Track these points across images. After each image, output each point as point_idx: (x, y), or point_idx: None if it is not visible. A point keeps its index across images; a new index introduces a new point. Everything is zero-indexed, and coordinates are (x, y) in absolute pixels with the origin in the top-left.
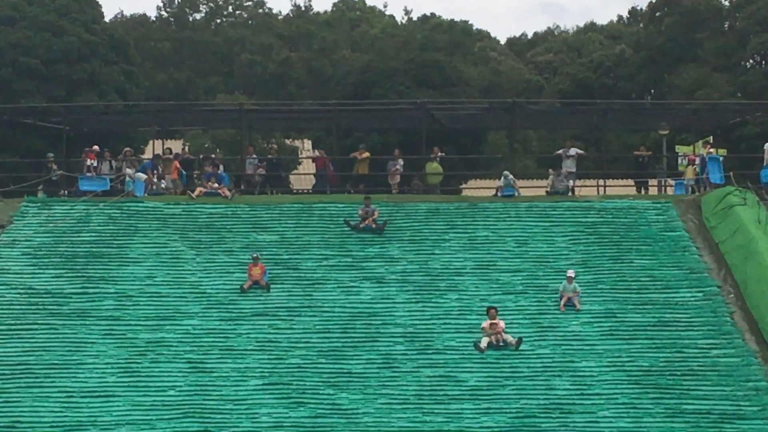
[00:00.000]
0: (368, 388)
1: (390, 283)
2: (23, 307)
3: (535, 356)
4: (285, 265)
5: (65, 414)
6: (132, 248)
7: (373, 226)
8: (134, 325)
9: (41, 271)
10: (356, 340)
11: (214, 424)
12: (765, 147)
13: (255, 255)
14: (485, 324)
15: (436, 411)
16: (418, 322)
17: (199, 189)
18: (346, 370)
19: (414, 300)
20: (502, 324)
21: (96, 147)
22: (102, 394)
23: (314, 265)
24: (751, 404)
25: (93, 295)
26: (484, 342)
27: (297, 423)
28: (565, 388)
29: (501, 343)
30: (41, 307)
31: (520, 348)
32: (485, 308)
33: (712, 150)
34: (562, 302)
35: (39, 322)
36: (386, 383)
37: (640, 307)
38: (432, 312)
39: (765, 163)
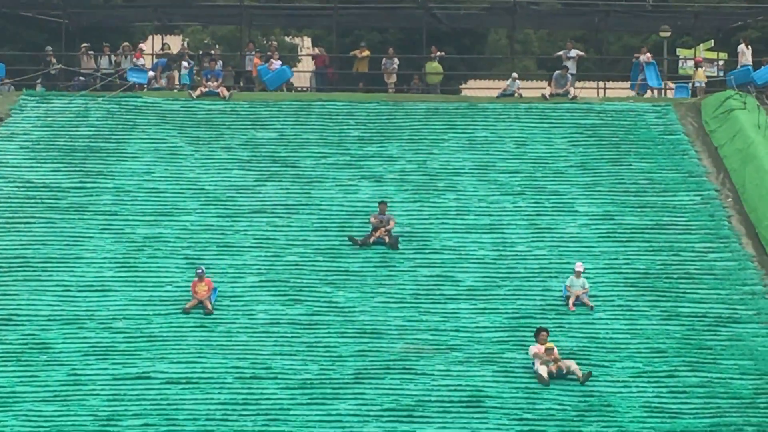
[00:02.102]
0: (365, 286)
1: (388, 183)
2: (21, 200)
3: (532, 257)
4: (283, 162)
5: (62, 308)
6: (130, 143)
7: (387, 239)
8: (132, 220)
9: (39, 165)
10: None
11: (210, 319)
12: (739, 49)
13: (200, 270)
14: (535, 350)
15: (432, 311)
16: (415, 221)
17: (199, 89)
18: (343, 269)
19: (412, 200)
20: (556, 350)
21: (142, 45)
22: (99, 288)
23: (312, 163)
24: (746, 308)
25: (91, 189)
26: (543, 371)
27: (294, 320)
28: (561, 290)
29: (564, 372)
30: (39, 200)
31: (518, 249)
32: (535, 330)
33: (649, 55)
34: (571, 301)
35: (37, 215)
36: (383, 282)
37: (638, 209)
38: (430, 212)
39: (739, 65)
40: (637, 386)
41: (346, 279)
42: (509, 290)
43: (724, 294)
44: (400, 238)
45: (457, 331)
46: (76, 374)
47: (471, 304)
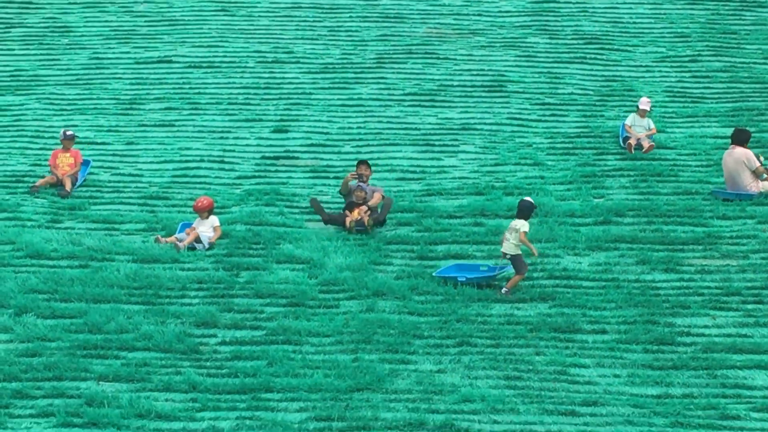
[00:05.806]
0: None
1: None
2: None
3: None
4: None
5: None
6: None
7: (366, 221)
8: None
9: None
10: None
11: (232, 3)
12: None
13: (68, 132)
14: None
15: None
16: None
17: None
18: None
19: None
20: None
21: None
22: None
23: None
24: None
25: None
26: None
27: (315, 4)
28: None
29: None
30: None
31: None
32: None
33: None
34: (631, 143)
35: None
36: None
37: None
38: None
39: None
40: (659, 71)
41: None
42: None
43: None
44: (387, 221)
45: (479, 15)
46: (98, 58)
47: None
